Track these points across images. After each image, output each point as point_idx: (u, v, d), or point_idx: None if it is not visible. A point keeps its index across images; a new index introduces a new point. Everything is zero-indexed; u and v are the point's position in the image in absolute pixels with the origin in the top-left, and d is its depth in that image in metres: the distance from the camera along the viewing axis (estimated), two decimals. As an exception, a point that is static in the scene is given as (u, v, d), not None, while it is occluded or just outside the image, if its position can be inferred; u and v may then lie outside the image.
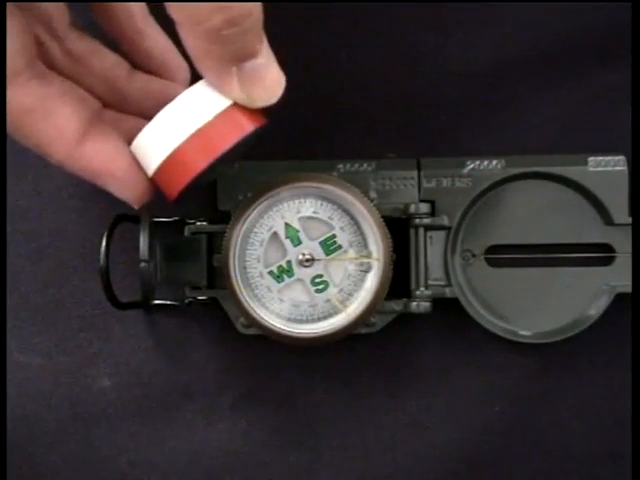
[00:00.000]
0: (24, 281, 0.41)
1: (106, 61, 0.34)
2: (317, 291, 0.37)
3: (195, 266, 0.39)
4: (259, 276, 0.37)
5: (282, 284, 0.37)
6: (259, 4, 0.28)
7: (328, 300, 0.37)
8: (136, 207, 0.33)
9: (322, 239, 0.37)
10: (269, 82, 0.30)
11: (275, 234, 0.37)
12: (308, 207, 0.37)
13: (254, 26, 0.28)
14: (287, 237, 0.37)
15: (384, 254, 0.37)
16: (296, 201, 0.37)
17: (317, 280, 0.37)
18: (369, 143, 0.40)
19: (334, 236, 0.37)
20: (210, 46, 0.28)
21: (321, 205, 0.37)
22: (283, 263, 0.37)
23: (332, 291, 0.37)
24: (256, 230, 0.37)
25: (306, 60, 0.40)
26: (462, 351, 0.40)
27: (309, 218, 0.37)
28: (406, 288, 0.39)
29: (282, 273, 0.37)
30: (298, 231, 0.37)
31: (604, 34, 0.40)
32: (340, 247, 0.37)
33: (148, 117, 0.31)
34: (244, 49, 0.29)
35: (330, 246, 0.37)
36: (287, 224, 0.37)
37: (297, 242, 0.37)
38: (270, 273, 0.37)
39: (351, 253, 0.37)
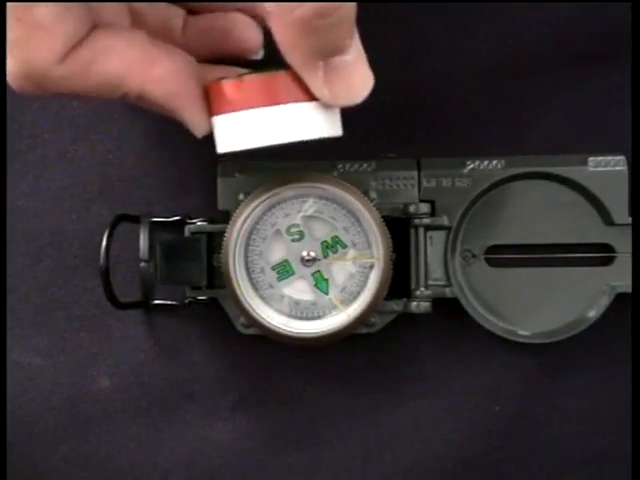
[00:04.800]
0: (24, 281, 0.41)
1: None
2: (318, 290, 0.37)
3: (195, 266, 0.39)
4: (260, 272, 0.37)
5: (283, 282, 0.37)
6: None
7: (328, 300, 0.37)
8: (199, 136, 0.33)
9: (325, 239, 0.37)
10: (354, 81, 0.30)
11: (278, 232, 0.37)
12: (309, 207, 0.37)
13: (344, 20, 0.28)
14: (290, 235, 0.37)
15: (384, 254, 0.37)
16: (296, 201, 0.37)
17: (318, 280, 0.37)
18: (369, 143, 0.40)
19: (337, 237, 0.37)
20: (298, 36, 0.28)
21: (323, 205, 0.37)
22: (285, 261, 0.37)
23: (333, 291, 0.37)
24: (259, 227, 0.37)
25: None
26: (462, 351, 0.40)
27: (313, 218, 0.37)
28: (406, 288, 0.39)
29: (284, 270, 0.37)
30: (301, 230, 0.37)
31: (604, 34, 0.40)
32: (344, 247, 0.37)
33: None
34: (332, 43, 0.28)
35: (333, 246, 0.37)
36: (291, 223, 0.37)
37: (300, 241, 0.37)
38: (272, 269, 0.37)
39: (351, 253, 0.37)
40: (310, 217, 0.37)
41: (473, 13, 0.40)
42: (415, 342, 0.40)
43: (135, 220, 0.38)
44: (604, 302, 0.38)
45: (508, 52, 0.40)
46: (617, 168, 0.38)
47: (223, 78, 0.31)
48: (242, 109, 0.31)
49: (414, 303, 0.38)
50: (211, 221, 0.39)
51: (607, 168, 0.39)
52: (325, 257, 0.37)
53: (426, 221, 0.38)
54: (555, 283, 0.39)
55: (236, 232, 0.37)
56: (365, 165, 0.39)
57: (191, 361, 0.41)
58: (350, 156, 0.39)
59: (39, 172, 0.41)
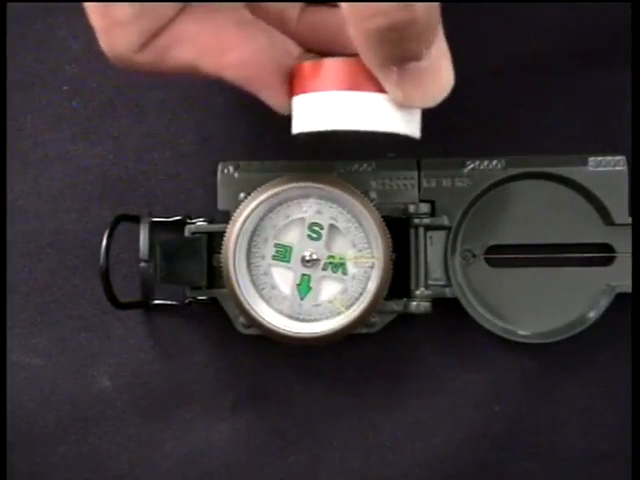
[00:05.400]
0: (24, 281, 0.41)
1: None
2: (296, 290, 0.37)
3: (195, 266, 0.39)
4: (261, 257, 0.37)
5: (275, 261, 0.37)
6: (434, 11, 0.27)
7: (328, 300, 0.37)
8: (284, 113, 0.32)
9: (334, 256, 0.37)
10: (429, 86, 0.29)
11: (302, 220, 0.37)
12: (309, 207, 0.37)
13: (418, 33, 0.27)
14: (309, 230, 0.37)
15: (384, 254, 0.37)
16: (296, 201, 0.37)
17: (303, 282, 0.37)
18: (369, 143, 0.40)
19: (344, 262, 0.37)
20: (372, 44, 0.27)
21: (354, 229, 0.37)
22: (289, 246, 0.37)
23: (307, 301, 0.37)
24: (271, 215, 0.37)
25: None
26: (462, 351, 0.40)
27: (339, 231, 0.37)
28: (406, 288, 0.39)
29: (282, 253, 0.37)
30: (322, 233, 0.37)
31: (604, 34, 0.40)
32: (345, 274, 0.37)
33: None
34: (405, 53, 0.28)
35: (335, 266, 0.37)
36: (316, 221, 0.37)
37: (313, 240, 0.37)
38: (274, 246, 0.37)
39: (351, 253, 0.37)
40: (336, 228, 0.37)
41: (473, 14, 0.40)
42: (415, 342, 0.40)
43: (135, 220, 0.38)
44: (604, 302, 0.38)
45: (508, 53, 0.40)
46: (617, 168, 0.39)
47: (305, 59, 0.31)
48: (319, 90, 0.30)
49: (414, 303, 0.38)
50: (211, 221, 0.39)
51: (607, 168, 0.39)
52: (323, 270, 0.37)
53: (426, 221, 0.38)
54: (555, 283, 0.39)
55: (236, 232, 0.37)
56: (365, 165, 0.39)
57: (191, 361, 0.41)
58: (350, 156, 0.39)
59: (39, 172, 0.41)
